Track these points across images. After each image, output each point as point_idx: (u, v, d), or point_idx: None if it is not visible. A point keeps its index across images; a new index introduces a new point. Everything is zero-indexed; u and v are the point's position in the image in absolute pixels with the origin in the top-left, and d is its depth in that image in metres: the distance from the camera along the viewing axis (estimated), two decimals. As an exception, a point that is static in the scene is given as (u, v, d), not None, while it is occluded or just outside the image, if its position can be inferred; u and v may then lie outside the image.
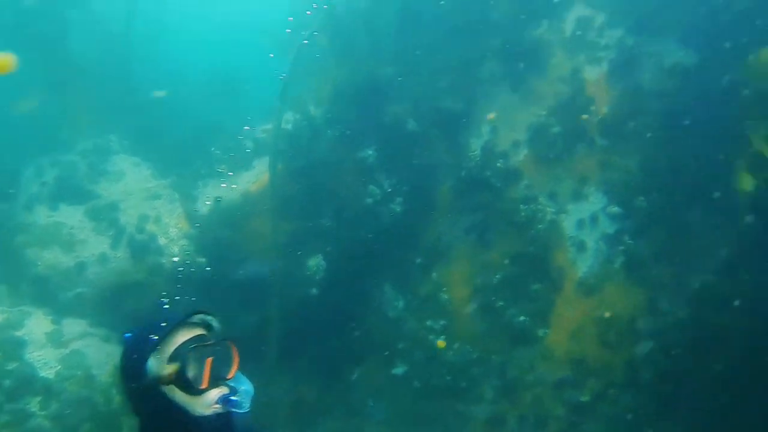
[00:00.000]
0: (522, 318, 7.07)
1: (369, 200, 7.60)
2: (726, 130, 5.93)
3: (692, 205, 6.54)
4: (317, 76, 8.26)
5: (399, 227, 7.59)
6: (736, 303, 6.12)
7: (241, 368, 1.78)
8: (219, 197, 7.50)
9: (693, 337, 6.45)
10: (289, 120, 8.07)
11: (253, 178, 8.10)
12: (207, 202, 7.57)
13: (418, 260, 7.62)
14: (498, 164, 7.01)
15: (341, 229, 7.75)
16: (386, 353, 7.69)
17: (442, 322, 7.52)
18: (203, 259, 7.06)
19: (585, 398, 6.86)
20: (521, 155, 7.12)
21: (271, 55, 8.12)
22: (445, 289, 7.51)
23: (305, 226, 7.61)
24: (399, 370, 7.77)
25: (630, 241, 6.82)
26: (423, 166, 7.46)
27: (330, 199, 7.62)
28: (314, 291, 7.65)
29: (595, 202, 6.95)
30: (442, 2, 7.39)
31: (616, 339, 6.82)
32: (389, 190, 7.44)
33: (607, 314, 6.86)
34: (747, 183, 5.07)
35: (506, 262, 7.17)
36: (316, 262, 7.67)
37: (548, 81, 7.10)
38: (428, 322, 7.55)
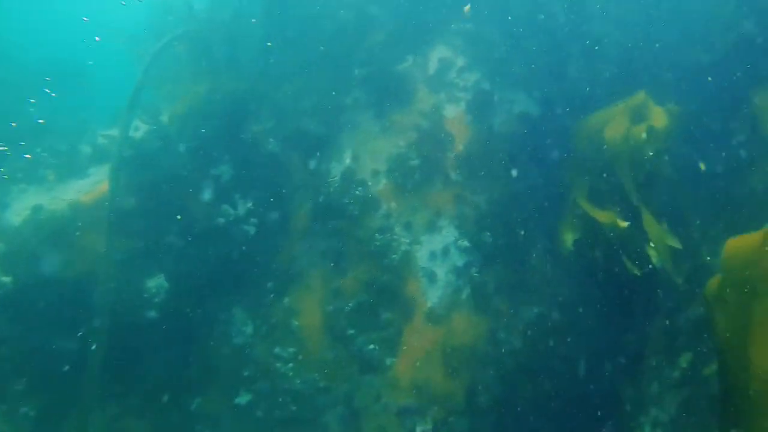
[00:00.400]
0: (371, 346, 7.08)
1: (221, 220, 7.17)
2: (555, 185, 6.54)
3: (531, 244, 7.10)
4: (174, 84, 7.71)
5: (251, 249, 7.26)
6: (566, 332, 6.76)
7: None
8: (39, 205, 6.53)
9: (525, 364, 6.96)
10: (138, 128, 7.40)
11: (87, 187, 7.22)
12: (21, 212, 6.53)
13: (270, 284, 7.34)
14: (357, 192, 7.01)
15: (189, 248, 7.21)
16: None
17: (291, 350, 7.28)
18: (8, 278, 6.05)
19: (427, 426, 7.03)
20: (380, 184, 7.20)
21: (97, 39, 7.40)
22: (296, 315, 7.31)
23: (147, 243, 6.95)
24: (242, 399, 7.37)
25: (476, 274, 7.19)
26: (280, 188, 7.24)
27: (177, 216, 7.05)
28: (153, 314, 7.01)
29: (447, 235, 7.23)
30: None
31: (459, 367, 7.09)
32: (243, 210, 7.09)
33: (452, 343, 7.14)
34: (568, 239, 5.58)
35: (359, 290, 7.18)
36: (156, 283, 7.04)
37: (410, 114, 7.30)
38: (277, 350, 7.28)
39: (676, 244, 5.05)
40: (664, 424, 6.08)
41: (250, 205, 7.14)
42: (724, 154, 5.87)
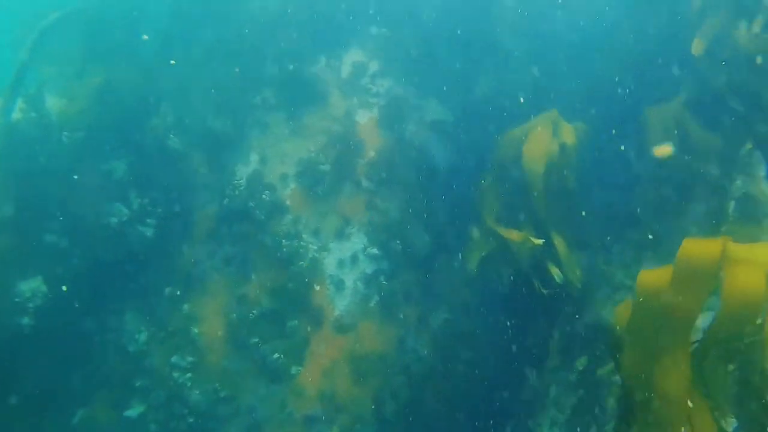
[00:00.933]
0: (276, 355, 6.86)
1: (113, 219, 6.62)
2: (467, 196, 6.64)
3: (437, 253, 7.17)
4: (63, 67, 7.00)
5: (148, 252, 6.78)
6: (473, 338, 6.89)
7: None
8: None
9: (432, 370, 7.04)
10: (17, 112, 6.66)
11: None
12: None
13: (168, 290, 6.90)
14: (264, 196, 6.73)
15: (74, 248, 6.60)
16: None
17: (190, 359, 6.90)
18: None
19: (332, 434, 6.94)
20: (288, 189, 6.97)
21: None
22: (196, 322, 6.93)
23: (21, 241, 6.27)
24: (133, 411, 6.89)
25: (384, 282, 7.16)
26: (182, 189, 6.81)
27: (60, 213, 6.42)
28: (26, 320, 6.35)
29: (356, 242, 7.13)
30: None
31: (366, 375, 7.04)
32: (139, 209, 6.59)
33: (360, 351, 7.07)
34: (475, 256, 5.68)
35: (264, 297, 6.93)
36: (32, 286, 6.37)
37: (322, 118, 7.12)
38: (174, 358, 6.87)
39: (579, 261, 5.27)
40: (561, 424, 6.35)
41: (147, 204, 6.63)
42: (623, 172, 6.20)
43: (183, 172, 6.84)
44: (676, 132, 5.81)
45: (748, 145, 4.92)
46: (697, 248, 3.05)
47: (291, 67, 7.05)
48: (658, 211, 5.92)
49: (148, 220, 6.69)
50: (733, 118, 5.11)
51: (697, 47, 4.86)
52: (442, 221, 7.21)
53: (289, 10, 7.23)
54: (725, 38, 4.68)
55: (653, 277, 3.17)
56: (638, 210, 5.96)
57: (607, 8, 6.55)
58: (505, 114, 6.98)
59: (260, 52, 7.12)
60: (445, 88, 7.42)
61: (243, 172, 6.96)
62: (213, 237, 6.93)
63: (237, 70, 7.00)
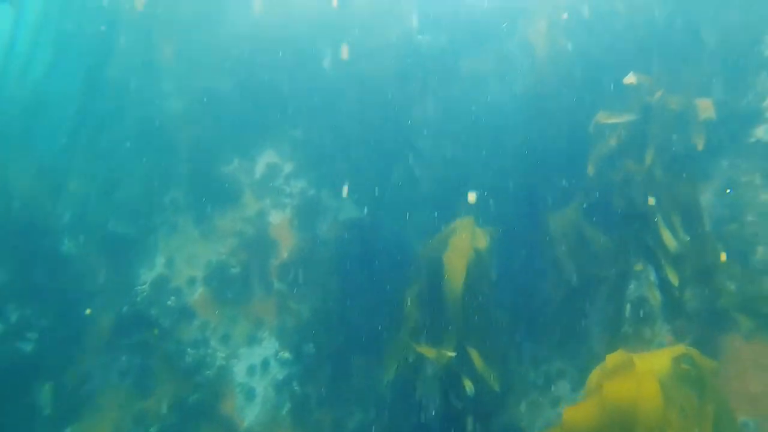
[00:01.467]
0: (177, 479, 6.19)
1: (-13, 333, 5.88)
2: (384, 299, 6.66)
3: (353, 355, 7.00)
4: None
5: (25, 369, 6.02)
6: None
7: None
8: None
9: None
10: None
11: None
12: None
13: (48, 411, 6.10)
14: (168, 302, 6.31)
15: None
16: None
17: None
18: None
19: None
20: (196, 293, 6.61)
21: None
22: (83, 445, 6.13)
23: None
24: None
25: (297, 388, 6.83)
26: (75, 296, 6.22)
27: None
28: None
29: (267, 346, 6.81)
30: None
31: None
32: (18, 323, 5.90)
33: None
34: (390, 369, 5.64)
35: (165, 412, 6.33)
36: None
37: (233, 219, 6.94)
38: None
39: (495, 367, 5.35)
40: None
41: (28, 316, 5.96)
42: (532, 274, 6.52)
43: (77, 277, 6.28)
44: (574, 236, 6.27)
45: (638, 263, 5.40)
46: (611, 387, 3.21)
47: (203, 167, 6.89)
48: (562, 311, 6.25)
49: (29, 334, 5.98)
50: (623, 227, 5.62)
51: (590, 169, 5.39)
52: (358, 322, 7.11)
53: (203, 109, 7.16)
54: (615, 163, 5.24)
55: (579, 412, 3.27)
56: (545, 312, 6.25)
57: (519, 115, 7.09)
58: (419, 213, 7.21)
59: (172, 151, 6.93)
60: (360, 187, 7.57)
61: (147, 276, 6.52)
62: (108, 348, 6.32)
63: (145, 168, 6.72)
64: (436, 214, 7.02)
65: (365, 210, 7.65)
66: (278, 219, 7.13)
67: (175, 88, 7.52)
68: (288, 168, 7.36)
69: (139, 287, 6.27)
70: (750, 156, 5.62)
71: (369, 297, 7.19)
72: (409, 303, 5.74)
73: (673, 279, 4.80)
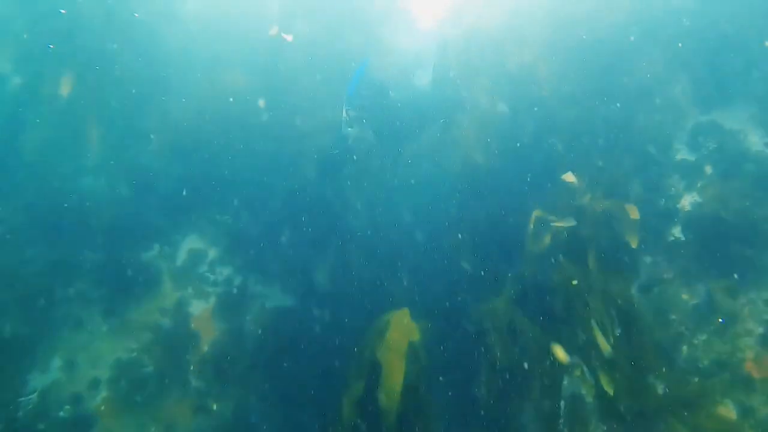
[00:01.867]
0: None
1: None
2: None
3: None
4: None
5: None
6: None
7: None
8: None
9: None
10: None
11: None
12: None
13: None
14: (61, 413, 5.52)
15: None
16: None
17: None
18: None
19: None
20: (99, 398, 5.85)
21: None
22: None
23: None
24: None
25: (214, 501, 6.10)
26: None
27: None
28: None
29: (181, 455, 6.09)
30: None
31: None
32: None
33: None
34: None
35: None
36: None
37: (148, 312, 6.34)
38: None
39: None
40: None
41: None
42: (465, 367, 6.34)
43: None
44: (506, 326, 6.20)
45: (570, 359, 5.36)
46: None
47: (119, 253, 6.31)
48: (498, 407, 6.07)
49: None
50: (557, 323, 5.61)
51: (526, 267, 5.41)
52: (282, 421, 6.57)
53: (121, 191, 6.66)
54: (553, 262, 5.29)
55: None
56: (480, 410, 6.04)
57: (451, 205, 7.09)
58: (352, 301, 6.92)
59: (84, 235, 6.30)
60: (289, 274, 7.22)
61: (38, 382, 5.70)
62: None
63: (48, 255, 6.05)
64: (368, 302, 6.80)
65: (295, 296, 7.29)
66: (200, 309, 6.59)
67: (96, 165, 6.99)
68: (213, 254, 6.91)
69: (23, 398, 5.42)
70: (670, 254, 5.87)
71: (296, 394, 6.70)
72: (345, 406, 5.36)
73: (608, 387, 4.78)
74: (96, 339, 6.03)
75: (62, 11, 6.95)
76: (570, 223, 5.00)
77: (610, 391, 4.99)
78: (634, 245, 5.02)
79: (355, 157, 6.47)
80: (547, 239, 5.33)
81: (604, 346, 4.79)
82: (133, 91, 6.79)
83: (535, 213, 5.30)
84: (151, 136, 6.89)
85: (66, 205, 6.65)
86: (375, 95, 6.87)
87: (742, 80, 6.45)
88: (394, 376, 5.52)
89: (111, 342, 6.05)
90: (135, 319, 6.20)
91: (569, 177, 5.26)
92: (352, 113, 6.59)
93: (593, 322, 4.95)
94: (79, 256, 6.22)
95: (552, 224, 5.09)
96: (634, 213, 5.10)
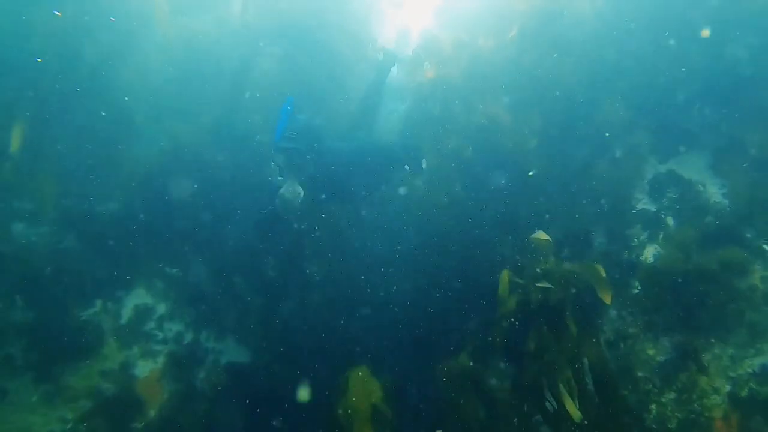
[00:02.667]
0: None
1: None
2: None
3: None
4: None
5: None
6: None
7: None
8: None
9: None
10: None
11: None
12: None
13: None
14: (-13, 498, 4.96)
15: None
16: None
17: None
18: None
19: None
20: (30, 477, 5.31)
21: None
22: None
23: None
24: None
25: None
26: None
27: None
28: None
29: None
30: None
31: None
32: None
33: None
34: None
35: None
36: None
37: (88, 376, 5.83)
38: None
39: None
40: None
41: None
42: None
43: None
44: (468, 383, 5.98)
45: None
46: None
47: (52, 314, 5.80)
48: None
49: None
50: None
51: (496, 335, 5.22)
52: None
53: (59, 243, 6.17)
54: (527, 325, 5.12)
55: None
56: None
57: (413, 259, 6.89)
58: (310, 356, 6.58)
59: (9, 295, 5.78)
60: (244, 327, 6.83)
61: (-40, 460, 5.14)
62: None
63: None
64: (327, 356, 6.49)
65: (250, 350, 6.89)
66: (147, 370, 6.12)
67: (32, 210, 6.49)
68: (161, 309, 6.46)
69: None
70: (634, 307, 5.80)
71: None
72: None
73: None
74: (24, 412, 5.48)
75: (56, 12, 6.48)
76: (545, 284, 4.86)
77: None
78: (608, 301, 4.90)
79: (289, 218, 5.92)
80: (514, 301, 5.17)
81: (576, 414, 4.62)
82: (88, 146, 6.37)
83: (505, 273, 5.13)
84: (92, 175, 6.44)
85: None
86: (308, 139, 5.93)
87: (696, 129, 6.54)
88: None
89: (42, 414, 5.51)
90: (71, 386, 5.68)
91: (541, 236, 5.13)
92: (280, 160, 5.75)
93: (561, 387, 4.80)
94: (5, 318, 5.68)
95: (536, 285, 4.92)
96: (602, 271, 5.01)
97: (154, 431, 5.96)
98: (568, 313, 4.84)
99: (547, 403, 5.04)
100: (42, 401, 5.56)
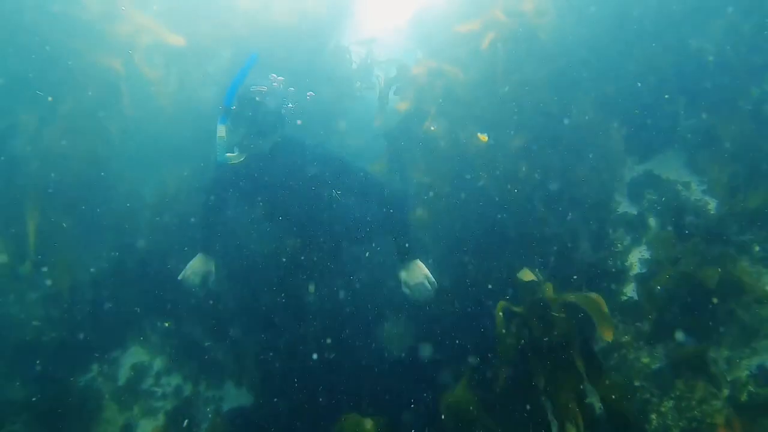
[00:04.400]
0: None
1: None
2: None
3: None
4: None
5: None
6: None
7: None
8: None
9: None
10: None
11: None
12: None
13: None
14: None
15: None
16: None
17: None
18: None
19: None
20: None
21: None
22: None
23: None
24: None
25: None
26: None
27: None
28: None
29: None
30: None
31: None
32: None
33: None
34: None
35: None
36: None
37: (91, 443, 5.89)
38: None
39: None
40: None
41: None
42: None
43: None
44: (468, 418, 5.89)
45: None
46: None
47: (51, 386, 5.86)
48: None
49: None
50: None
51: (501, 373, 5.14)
52: None
53: (46, 312, 6.23)
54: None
55: None
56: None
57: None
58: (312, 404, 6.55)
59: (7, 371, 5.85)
60: (244, 372, 6.84)
61: None
62: None
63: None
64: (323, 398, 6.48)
65: (252, 394, 6.91)
66: (149, 429, 6.16)
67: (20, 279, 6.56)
68: (158, 365, 6.51)
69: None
70: (624, 315, 5.75)
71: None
72: None
73: None
74: (33, 487, 5.54)
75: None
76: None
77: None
78: (609, 338, 4.69)
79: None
80: (513, 337, 5.05)
81: None
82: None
83: (500, 306, 5.04)
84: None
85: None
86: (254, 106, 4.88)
87: (671, 126, 6.49)
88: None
89: (50, 486, 5.58)
90: (77, 455, 5.75)
91: (526, 275, 5.03)
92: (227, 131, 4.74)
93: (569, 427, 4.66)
94: (5, 393, 5.75)
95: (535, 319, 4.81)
96: (601, 303, 4.79)
97: (162, 489, 5.98)
98: (574, 349, 4.71)
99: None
100: (47, 475, 5.62)
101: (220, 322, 6.83)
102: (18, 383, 5.82)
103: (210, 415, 6.54)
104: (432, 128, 6.35)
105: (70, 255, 6.36)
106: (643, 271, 5.81)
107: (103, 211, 6.69)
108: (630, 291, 5.85)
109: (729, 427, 4.91)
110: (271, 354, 6.77)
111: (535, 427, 5.02)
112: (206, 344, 6.78)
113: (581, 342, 4.90)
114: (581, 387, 4.80)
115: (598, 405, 4.89)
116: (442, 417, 5.60)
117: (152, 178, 7.15)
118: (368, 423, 5.70)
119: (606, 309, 4.70)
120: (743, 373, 5.01)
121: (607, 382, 4.74)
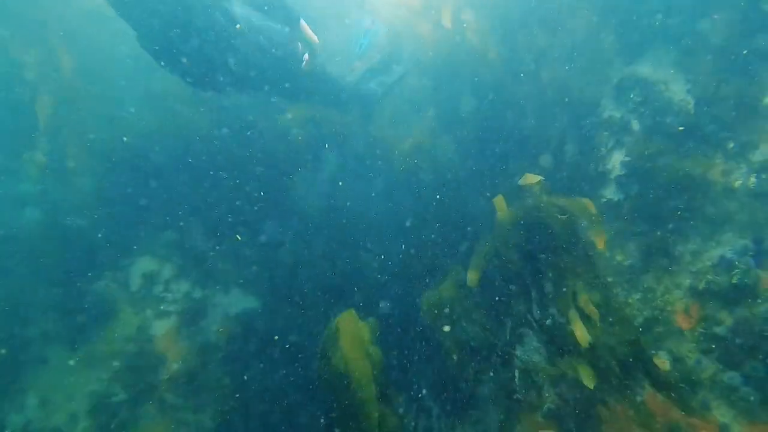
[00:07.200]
0: None
1: None
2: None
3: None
4: None
5: None
6: None
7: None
8: None
9: None
10: None
11: None
12: None
13: None
14: (44, 451, 5.83)
15: None
16: None
17: None
18: None
19: None
20: (79, 428, 6.14)
21: None
22: None
23: None
24: None
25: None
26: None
27: None
28: None
29: (168, 470, 6.44)
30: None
31: None
32: None
33: None
34: None
35: None
36: None
37: (112, 341, 6.53)
38: None
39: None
40: None
41: None
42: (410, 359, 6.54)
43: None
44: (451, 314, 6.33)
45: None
46: None
47: (69, 287, 6.43)
48: (453, 386, 6.34)
49: None
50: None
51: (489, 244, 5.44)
52: (267, 423, 6.87)
53: (61, 222, 6.70)
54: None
55: None
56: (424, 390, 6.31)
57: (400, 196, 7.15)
58: (313, 299, 7.07)
59: (34, 274, 6.41)
60: (247, 277, 7.36)
61: (18, 421, 5.98)
62: None
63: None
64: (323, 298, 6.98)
65: (258, 298, 7.45)
66: (163, 329, 6.78)
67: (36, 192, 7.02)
68: (167, 272, 7.03)
69: (6, 436, 5.73)
70: (603, 216, 5.95)
71: (270, 394, 6.97)
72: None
73: (588, 381, 4.76)
74: (65, 375, 6.25)
75: None
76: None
77: (590, 385, 4.96)
78: (600, 246, 4.92)
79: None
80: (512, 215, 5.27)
81: (582, 337, 4.78)
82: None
83: (499, 196, 5.25)
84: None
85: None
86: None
87: (661, 24, 6.31)
88: (365, 388, 5.66)
89: (80, 375, 6.29)
90: (100, 350, 6.41)
91: (530, 178, 5.19)
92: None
93: (574, 314, 4.93)
94: (31, 295, 6.36)
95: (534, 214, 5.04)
96: (591, 207, 4.99)
97: (179, 380, 6.67)
98: (573, 239, 4.95)
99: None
100: (78, 365, 6.32)
101: (225, 230, 7.27)
102: (44, 288, 6.41)
103: (219, 318, 7.15)
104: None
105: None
106: (623, 173, 5.93)
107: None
108: (610, 193, 6.01)
109: (687, 313, 5.24)
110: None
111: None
112: (211, 254, 7.28)
113: (577, 244, 5.17)
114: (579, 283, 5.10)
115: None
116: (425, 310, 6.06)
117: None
118: (363, 326, 6.19)
119: (596, 213, 4.90)
120: (706, 264, 5.25)
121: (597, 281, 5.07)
